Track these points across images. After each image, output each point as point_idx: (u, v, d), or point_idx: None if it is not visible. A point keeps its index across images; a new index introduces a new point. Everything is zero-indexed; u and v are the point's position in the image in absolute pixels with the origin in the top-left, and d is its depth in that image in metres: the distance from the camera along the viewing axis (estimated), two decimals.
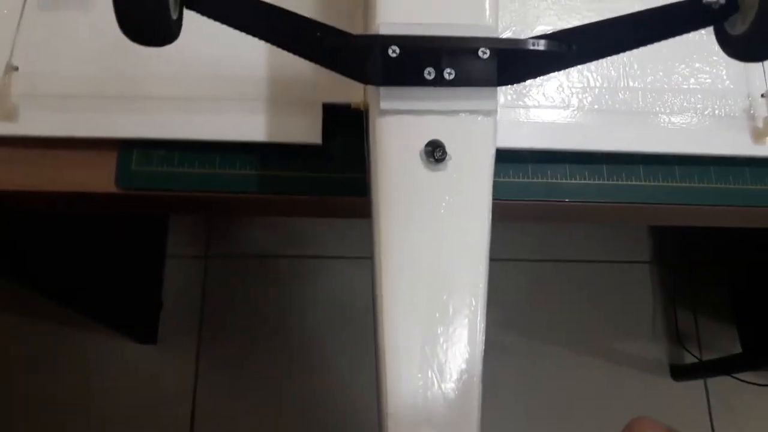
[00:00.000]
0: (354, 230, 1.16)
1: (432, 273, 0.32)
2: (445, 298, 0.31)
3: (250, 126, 0.43)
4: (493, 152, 0.33)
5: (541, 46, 0.30)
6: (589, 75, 0.45)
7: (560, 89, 0.45)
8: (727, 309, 1.18)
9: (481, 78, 0.33)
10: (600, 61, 0.45)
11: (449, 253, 0.32)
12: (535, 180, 0.45)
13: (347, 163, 0.44)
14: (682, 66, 0.47)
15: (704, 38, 0.46)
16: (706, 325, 1.20)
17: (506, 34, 0.46)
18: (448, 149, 0.32)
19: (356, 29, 0.39)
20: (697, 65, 0.47)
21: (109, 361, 1.09)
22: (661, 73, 0.47)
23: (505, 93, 0.45)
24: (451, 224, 0.32)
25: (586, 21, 0.45)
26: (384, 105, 0.33)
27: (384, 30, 0.32)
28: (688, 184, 0.46)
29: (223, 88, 0.43)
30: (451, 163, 0.33)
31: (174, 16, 0.27)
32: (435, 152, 0.32)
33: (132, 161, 0.43)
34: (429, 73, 0.32)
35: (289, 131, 0.43)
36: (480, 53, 0.32)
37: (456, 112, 0.33)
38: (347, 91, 0.41)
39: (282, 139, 0.43)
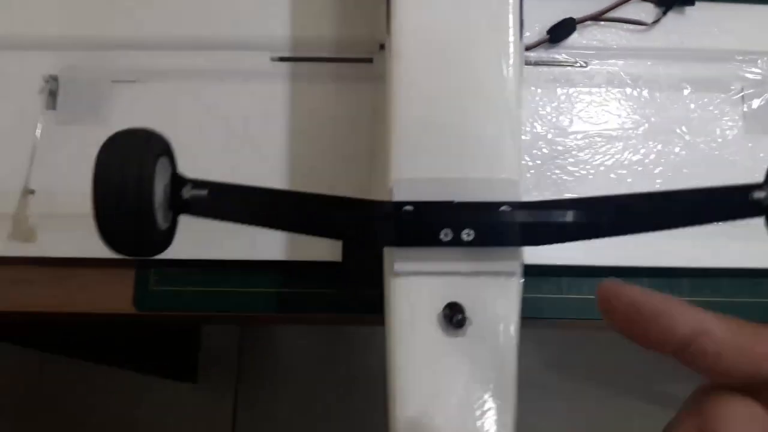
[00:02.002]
0: None
1: None
2: None
3: (269, 245, 0.41)
4: (517, 317, 0.31)
5: (569, 217, 0.28)
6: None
7: None
8: None
9: (503, 238, 0.30)
10: (643, 169, 0.42)
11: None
12: (569, 296, 0.42)
13: (368, 280, 0.42)
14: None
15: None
16: None
17: (540, 142, 0.43)
18: (468, 313, 0.30)
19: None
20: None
21: (146, 398, 1.10)
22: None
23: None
24: (471, 397, 0.30)
25: (623, 125, 0.42)
26: (398, 267, 0.30)
27: (397, 191, 0.30)
28: (737, 299, 0.42)
29: None
30: (471, 328, 0.30)
31: (164, 226, 0.25)
32: (453, 317, 0.30)
33: (149, 282, 0.42)
34: (446, 234, 0.30)
35: (309, 249, 0.41)
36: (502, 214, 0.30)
37: (476, 273, 0.31)
38: None
39: (301, 257, 0.41)
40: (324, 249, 0.41)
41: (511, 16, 0.31)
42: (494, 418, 0.30)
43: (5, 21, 0.45)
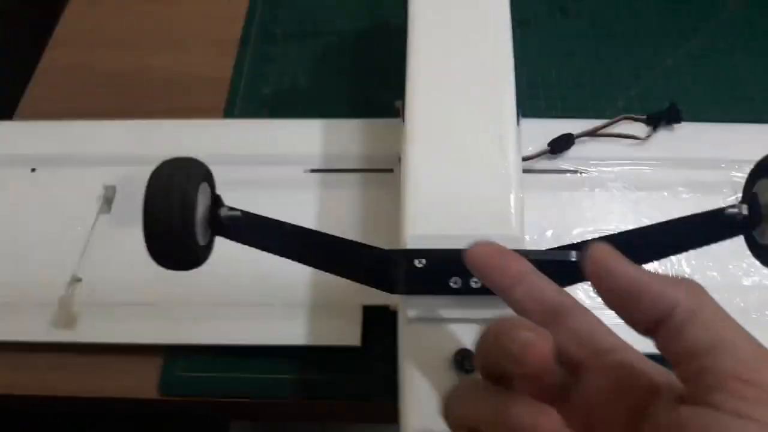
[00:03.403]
0: None
1: None
2: None
3: (291, 330, 0.43)
4: None
5: (566, 257, 0.30)
6: None
7: None
8: None
9: None
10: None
11: None
12: None
13: (386, 364, 0.43)
14: (734, 263, 0.45)
15: None
16: None
17: (548, 234, 0.46)
18: None
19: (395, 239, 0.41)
20: (749, 261, 0.45)
21: None
22: (714, 272, 0.45)
23: None
24: None
25: (623, 223, 0.46)
26: (411, 313, 0.33)
27: (411, 243, 0.33)
28: None
29: (265, 294, 0.44)
30: None
31: (202, 243, 0.29)
32: (464, 362, 0.32)
33: (176, 367, 0.44)
34: (455, 282, 0.32)
35: (330, 334, 0.43)
36: None
37: (483, 320, 0.32)
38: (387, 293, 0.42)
39: (322, 343, 0.43)
40: (344, 334, 0.43)
41: (508, 99, 0.36)
42: None
43: (76, 140, 0.52)
